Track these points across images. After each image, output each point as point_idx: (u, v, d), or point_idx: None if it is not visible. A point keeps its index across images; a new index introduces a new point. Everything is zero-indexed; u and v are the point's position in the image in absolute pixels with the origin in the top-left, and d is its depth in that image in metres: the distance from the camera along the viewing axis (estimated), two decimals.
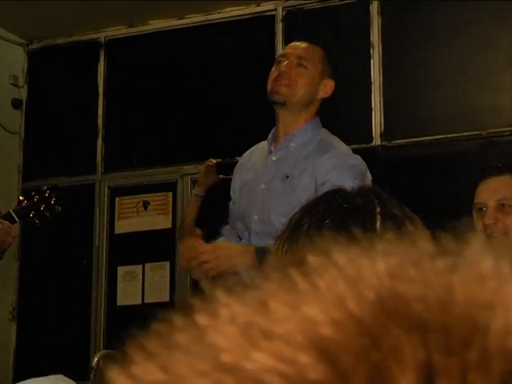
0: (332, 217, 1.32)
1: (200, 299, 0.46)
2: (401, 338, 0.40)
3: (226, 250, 3.83)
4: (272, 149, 4.06)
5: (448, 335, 0.41)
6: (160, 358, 0.44)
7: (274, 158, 4.04)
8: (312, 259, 0.46)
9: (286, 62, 4.03)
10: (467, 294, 0.43)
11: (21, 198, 4.39)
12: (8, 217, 4.13)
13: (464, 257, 0.46)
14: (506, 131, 6.06)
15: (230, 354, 0.41)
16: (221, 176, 5.16)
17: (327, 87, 4.12)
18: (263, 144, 4.20)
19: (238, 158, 4.70)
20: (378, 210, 1.36)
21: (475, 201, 3.55)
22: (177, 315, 0.47)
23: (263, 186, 4.00)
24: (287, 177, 3.94)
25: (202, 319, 0.45)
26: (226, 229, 4.24)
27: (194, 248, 3.82)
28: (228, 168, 4.74)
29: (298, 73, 4.02)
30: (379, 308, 0.42)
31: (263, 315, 0.43)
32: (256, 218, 3.96)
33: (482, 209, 3.50)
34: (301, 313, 0.42)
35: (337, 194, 1.41)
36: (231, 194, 4.25)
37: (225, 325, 0.44)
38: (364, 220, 1.29)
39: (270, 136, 4.13)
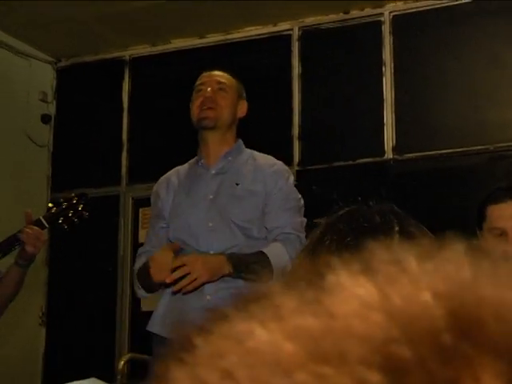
0: (353, 235, 1.32)
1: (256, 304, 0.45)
2: (475, 360, 0.38)
3: (205, 260, 3.90)
4: (205, 166, 4.25)
5: None
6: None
7: (213, 172, 4.19)
8: (383, 267, 0.45)
9: (208, 89, 4.22)
10: None
11: (50, 205, 4.39)
12: (38, 223, 4.15)
13: None
14: None
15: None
16: None
17: (243, 107, 4.34)
18: (180, 169, 4.43)
19: None
20: (397, 228, 1.35)
21: (491, 225, 3.43)
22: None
23: (211, 197, 4.12)
24: (237, 184, 4.12)
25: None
26: (145, 247, 4.35)
27: (168, 261, 3.90)
28: None
29: (221, 96, 4.22)
30: (453, 326, 0.39)
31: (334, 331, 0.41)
32: (211, 224, 4.04)
33: (501, 234, 3.42)
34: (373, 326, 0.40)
35: (357, 212, 1.40)
36: (157, 212, 4.35)
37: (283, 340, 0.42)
38: (383, 239, 1.26)
39: (197, 158, 4.36)
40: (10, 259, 4.24)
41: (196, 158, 4.35)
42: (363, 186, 5.72)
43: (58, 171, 7.43)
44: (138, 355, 5.16)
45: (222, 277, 3.89)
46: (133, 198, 7.18)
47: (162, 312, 4.08)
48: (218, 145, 4.22)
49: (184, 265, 3.83)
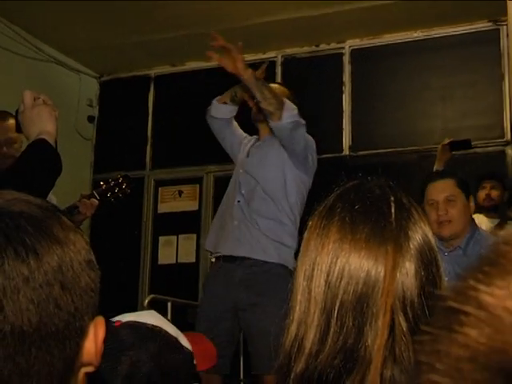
0: (360, 203, 1.26)
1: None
2: None
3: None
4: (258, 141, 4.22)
5: None
6: None
7: (258, 144, 4.17)
8: None
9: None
10: None
11: (101, 182, 4.23)
12: (92, 195, 4.10)
13: None
14: (436, 147, 6.09)
15: None
16: (453, 152, 4.66)
17: None
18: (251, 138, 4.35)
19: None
20: (392, 198, 1.28)
21: (428, 197, 3.60)
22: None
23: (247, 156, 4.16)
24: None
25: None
26: None
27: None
28: (458, 145, 4.61)
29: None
30: None
31: None
32: (241, 170, 4.11)
33: (433, 204, 3.55)
34: None
35: (362, 185, 1.32)
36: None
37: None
38: (383, 207, 1.26)
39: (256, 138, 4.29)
40: None
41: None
42: (327, 175, 5.77)
43: (98, 159, 7.46)
44: (158, 296, 5.18)
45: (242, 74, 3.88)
46: (154, 180, 7.21)
47: (212, 235, 4.07)
48: (263, 130, 4.15)
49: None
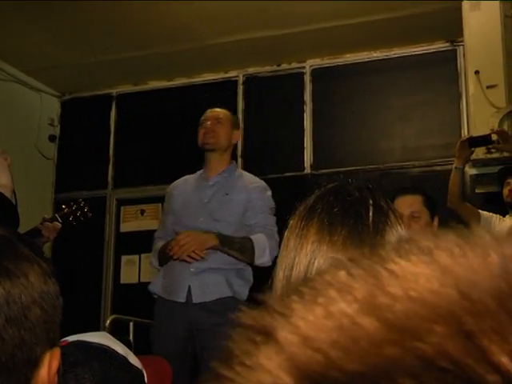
0: (339, 206, 1.28)
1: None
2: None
3: (197, 234, 3.93)
4: (205, 179, 4.24)
5: None
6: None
7: (211, 183, 4.21)
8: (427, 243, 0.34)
9: (209, 123, 4.23)
10: None
11: (63, 206, 4.29)
12: (54, 219, 4.10)
13: None
14: (397, 165, 6.20)
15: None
16: (472, 149, 4.51)
17: (237, 135, 4.38)
18: (188, 178, 4.37)
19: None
20: (371, 201, 1.30)
21: None
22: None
23: (206, 200, 4.15)
24: (227, 194, 4.15)
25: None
26: (159, 233, 4.35)
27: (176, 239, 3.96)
28: (477, 141, 4.52)
29: (218, 127, 4.23)
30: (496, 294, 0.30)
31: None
32: (202, 219, 4.08)
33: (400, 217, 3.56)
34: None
35: (342, 188, 1.34)
36: (166, 209, 4.35)
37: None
38: (361, 210, 1.28)
39: (200, 172, 4.32)
40: None
41: (201, 171, 4.33)
42: (288, 193, 5.78)
43: (60, 178, 7.40)
44: (120, 316, 5.15)
45: (209, 248, 3.90)
46: (116, 199, 7.18)
47: (160, 277, 4.09)
48: (217, 163, 4.24)
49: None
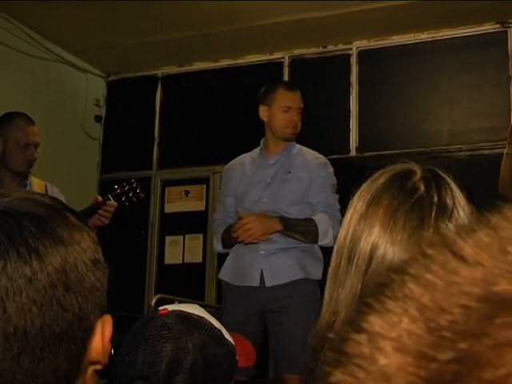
0: (403, 204, 1.28)
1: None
2: None
3: (262, 219, 3.90)
4: (264, 158, 4.17)
5: None
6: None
7: (271, 162, 4.15)
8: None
9: (295, 113, 4.16)
10: None
11: (116, 186, 4.17)
12: (107, 199, 4.02)
13: None
14: (444, 149, 6.13)
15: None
16: None
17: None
18: (244, 158, 4.30)
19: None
20: (436, 200, 1.28)
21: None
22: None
23: (269, 181, 4.08)
24: (289, 172, 4.08)
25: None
26: (220, 215, 4.27)
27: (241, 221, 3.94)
28: None
29: (299, 119, 4.18)
30: None
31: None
32: (265, 200, 4.04)
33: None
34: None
35: (407, 178, 1.33)
36: (226, 191, 4.26)
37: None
38: (424, 210, 1.26)
39: (257, 152, 4.24)
40: None
41: (257, 150, 4.25)
42: (334, 175, 5.75)
43: (105, 158, 7.46)
44: (165, 295, 5.16)
45: (274, 233, 3.88)
46: (161, 180, 7.21)
47: (230, 263, 4.07)
48: (277, 143, 4.16)
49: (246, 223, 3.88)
